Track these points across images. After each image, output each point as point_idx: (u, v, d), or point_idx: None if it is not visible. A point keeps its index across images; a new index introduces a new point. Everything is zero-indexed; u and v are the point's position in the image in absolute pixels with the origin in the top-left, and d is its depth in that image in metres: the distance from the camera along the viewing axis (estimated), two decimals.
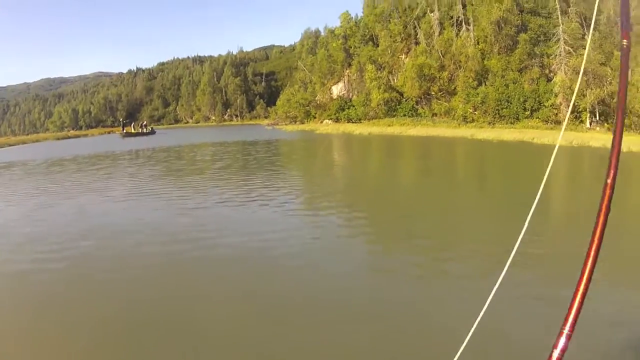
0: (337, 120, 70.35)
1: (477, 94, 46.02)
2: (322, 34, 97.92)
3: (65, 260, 11.90)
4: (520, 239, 2.34)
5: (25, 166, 39.36)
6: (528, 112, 40.72)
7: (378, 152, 37.82)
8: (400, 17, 69.06)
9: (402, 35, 67.35)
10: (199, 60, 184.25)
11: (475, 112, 45.59)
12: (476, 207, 15.73)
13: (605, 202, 1.77)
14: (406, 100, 60.35)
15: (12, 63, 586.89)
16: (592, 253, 1.74)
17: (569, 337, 1.72)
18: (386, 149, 38.65)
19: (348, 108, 69.81)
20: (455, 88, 53.59)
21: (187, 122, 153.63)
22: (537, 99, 40.35)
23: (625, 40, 1.85)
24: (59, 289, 10.01)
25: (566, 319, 1.74)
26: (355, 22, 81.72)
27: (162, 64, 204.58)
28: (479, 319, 2.26)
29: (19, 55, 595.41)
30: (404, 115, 58.40)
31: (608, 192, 1.77)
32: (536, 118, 40.02)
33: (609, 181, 1.78)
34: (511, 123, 40.96)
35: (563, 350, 1.70)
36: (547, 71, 43.74)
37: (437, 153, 32.89)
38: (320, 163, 31.09)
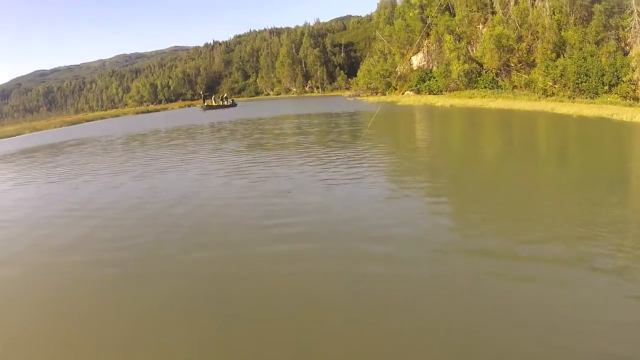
0: (418, 91, 71.80)
1: (556, 66, 46.15)
2: (399, 3, 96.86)
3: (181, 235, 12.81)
4: None
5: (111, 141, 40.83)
6: (606, 87, 40.51)
7: (462, 126, 38.61)
8: None
9: (478, 4, 67.46)
10: (276, 32, 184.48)
11: (555, 86, 45.92)
12: (563, 185, 15.71)
13: None
14: (486, 72, 61.17)
15: (86, 40, 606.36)
16: None
17: None
18: (469, 123, 39.54)
19: (429, 79, 70.99)
20: (534, 60, 53.92)
21: (268, 94, 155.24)
22: (614, 73, 40.06)
23: None
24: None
25: None
26: None
27: (239, 36, 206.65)
28: None
29: (93, 33, 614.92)
30: (485, 87, 59.21)
31: None
32: (615, 93, 39.72)
33: None
34: (591, 98, 40.96)
35: None
36: (623, 44, 43.51)
37: (520, 128, 33.56)
38: (407, 137, 32.49)
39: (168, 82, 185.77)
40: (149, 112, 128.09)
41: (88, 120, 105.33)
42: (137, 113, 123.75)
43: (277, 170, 20.68)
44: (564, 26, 50.68)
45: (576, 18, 49.43)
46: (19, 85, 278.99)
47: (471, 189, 15.78)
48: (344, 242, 11.31)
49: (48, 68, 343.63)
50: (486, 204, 13.81)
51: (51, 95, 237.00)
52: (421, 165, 20.40)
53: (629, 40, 43.06)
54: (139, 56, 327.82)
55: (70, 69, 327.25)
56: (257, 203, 15.45)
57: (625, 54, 42.08)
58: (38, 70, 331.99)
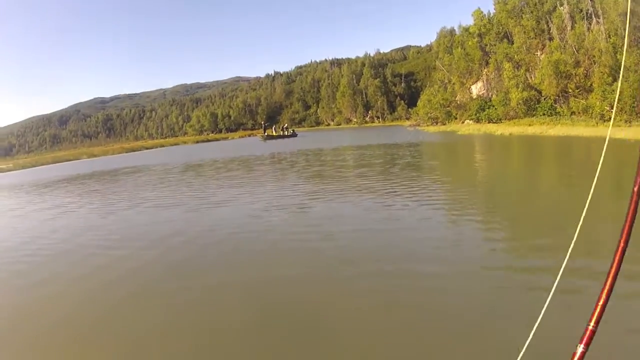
0: (477, 120, 72.33)
1: (613, 90, 46.33)
2: (457, 32, 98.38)
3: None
4: None
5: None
6: None
7: (521, 156, 38.52)
8: (532, 12, 69.98)
9: (536, 30, 68.35)
10: (337, 62, 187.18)
11: (612, 110, 45.60)
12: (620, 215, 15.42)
13: (632, 207, 1.84)
14: (545, 99, 61.57)
15: (148, 70, 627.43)
16: (619, 253, 1.86)
17: (593, 333, 1.86)
18: (528, 153, 39.16)
19: (488, 108, 71.37)
20: (591, 85, 54.19)
21: (329, 125, 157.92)
22: None
23: None
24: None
25: (592, 315, 1.88)
26: (489, 19, 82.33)
27: (300, 67, 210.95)
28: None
29: (154, 63, 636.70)
30: (543, 114, 59.39)
31: (635, 198, 1.84)
32: None
33: (635, 189, 1.85)
34: None
35: (587, 345, 1.85)
36: None
37: (578, 156, 33.58)
38: (465, 168, 32.06)
39: (229, 112, 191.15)
40: (208, 141, 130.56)
41: (147, 148, 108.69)
42: (197, 142, 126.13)
43: (338, 206, 19.59)
44: (620, 49, 51.00)
45: (631, 40, 49.49)
46: (77, 111, 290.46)
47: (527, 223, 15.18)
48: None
49: (107, 96, 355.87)
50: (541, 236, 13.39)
51: (110, 123, 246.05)
52: (481, 199, 20.09)
53: None
54: (200, 86, 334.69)
55: (130, 97, 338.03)
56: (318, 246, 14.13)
57: None
58: (97, 98, 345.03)
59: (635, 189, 1.86)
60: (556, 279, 2.47)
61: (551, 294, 2.44)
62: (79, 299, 11.02)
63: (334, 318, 8.81)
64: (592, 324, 1.91)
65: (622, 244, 1.91)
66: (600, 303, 1.92)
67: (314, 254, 12.74)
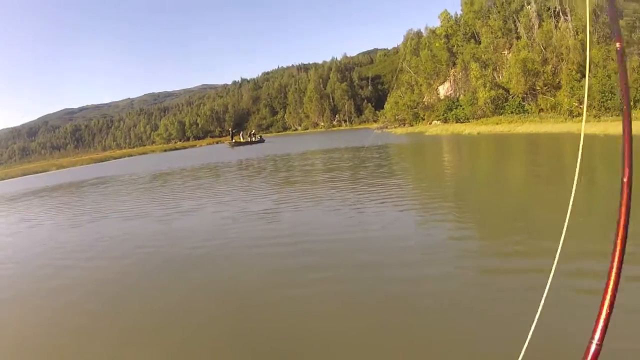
0: (445, 120, 71.80)
1: (581, 86, 45.96)
2: (424, 34, 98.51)
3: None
4: None
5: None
6: (632, 103, 39.81)
7: (488, 154, 38.05)
8: (499, 12, 69.81)
9: (503, 30, 68.18)
10: (304, 67, 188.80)
11: (581, 106, 45.56)
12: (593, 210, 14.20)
13: (625, 199, 1.78)
14: (512, 97, 61.06)
15: (116, 80, 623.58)
16: (616, 262, 1.67)
17: (598, 351, 1.59)
18: (495, 150, 38.88)
19: (456, 108, 70.96)
20: (559, 82, 53.75)
21: (296, 129, 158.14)
22: (639, 89, 39.84)
23: (618, 44, 2.02)
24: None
25: (594, 329, 1.61)
26: (455, 20, 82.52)
27: (267, 73, 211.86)
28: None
29: (121, 73, 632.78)
30: (512, 112, 58.95)
31: (625, 190, 1.80)
32: None
33: (624, 180, 1.82)
34: (616, 115, 40.07)
35: None
36: None
37: (547, 152, 32.92)
38: (432, 166, 32.04)
39: (196, 120, 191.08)
40: (176, 149, 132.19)
41: (115, 158, 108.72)
42: (165, 150, 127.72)
43: (307, 213, 18.86)
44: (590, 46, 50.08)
45: (599, 36, 49.21)
46: (46, 123, 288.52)
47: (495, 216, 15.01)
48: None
49: (76, 107, 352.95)
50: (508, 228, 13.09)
51: (78, 133, 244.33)
52: (449, 196, 19.51)
53: None
54: (168, 95, 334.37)
55: (98, 107, 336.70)
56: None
57: None
58: (66, 109, 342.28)
59: (625, 180, 1.84)
60: (549, 275, 2.39)
61: (545, 292, 2.28)
62: (33, 320, 10.42)
63: (301, 323, 8.63)
64: (595, 340, 1.64)
65: (619, 243, 1.72)
66: (604, 312, 1.66)
67: (283, 261, 12.25)
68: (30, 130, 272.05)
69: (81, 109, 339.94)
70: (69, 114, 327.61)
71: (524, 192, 19.10)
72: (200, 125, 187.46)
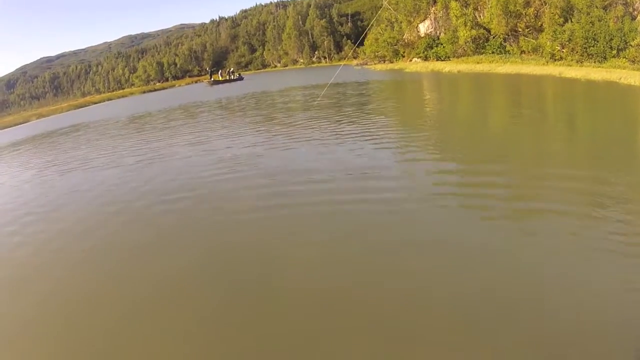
0: (425, 58, 71.36)
1: (564, 31, 45.64)
2: None
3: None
4: None
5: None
6: (615, 52, 39.91)
7: (468, 92, 38.40)
8: None
9: None
10: (282, 4, 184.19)
11: (563, 50, 45.41)
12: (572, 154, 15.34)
13: None
14: (494, 38, 60.52)
15: (91, 24, 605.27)
16: None
17: None
18: (476, 89, 39.29)
19: (436, 46, 70.48)
20: (541, 25, 53.29)
21: (275, 67, 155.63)
22: (622, 37, 39.46)
23: None
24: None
25: None
26: None
27: (245, 11, 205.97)
28: None
29: (98, 16, 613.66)
30: (493, 52, 58.64)
31: None
32: (623, 57, 39.08)
33: None
34: (599, 62, 40.46)
35: None
36: (631, 9, 42.98)
37: (528, 92, 33.26)
38: (415, 106, 31.74)
39: (175, 60, 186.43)
40: (155, 90, 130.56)
41: (95, 103, 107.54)
42: (144, 92, 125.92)
43: (290, 156, 18.77)
44: None
45: None
46: (24, 73, 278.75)
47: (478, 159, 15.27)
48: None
49: (53, 54, 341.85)
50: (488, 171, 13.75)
51: (57, 81, 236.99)
52: (428, 135, 19.75)
53: (637, 5, 42.68)
54: (145, 36, 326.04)
55: (75, 53, 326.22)
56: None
57: (633, 18, 41.65)
58: (44, 57, 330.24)
59: None
60: None
61: None
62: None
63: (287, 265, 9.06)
64: None
65: None
66: None
67: (271, 213, 12.42)
68: (9, 83, 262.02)
69: (58, 56, 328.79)
70: (47, 62, 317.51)
71: (503, 135, 19.06)
72: (178, 65, 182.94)
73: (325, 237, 10.01)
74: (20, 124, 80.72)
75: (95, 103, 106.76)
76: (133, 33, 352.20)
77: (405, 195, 12.05)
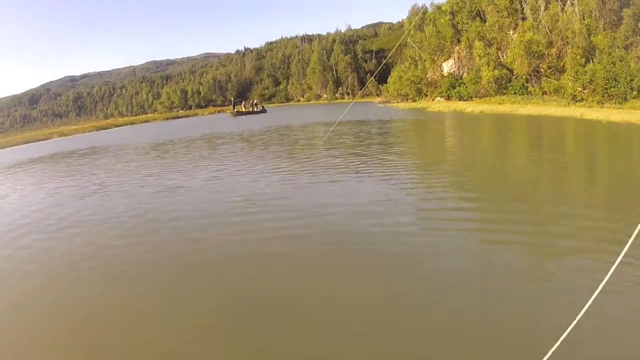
0: (448, 97, 71.99)
1: (586, 71, 45.91)
2: (430, 9, 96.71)
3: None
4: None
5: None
6: (635, 92, 39.96)
7: (491, 133, 38.56)
8: None
9: (509, 9, 67.56)
10: (308, 38, 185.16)
11: (585, 91, 45.61)
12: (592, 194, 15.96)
13: None
14: (516, 78, 61.05)
15: (117, 47, 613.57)
16: None
17: None
18: (498, 130, 39.41)
19: (459, 85, 71.06)
20: (563, 65, 53.82)
21: (299, 100, 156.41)
22: None
23: None
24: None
25: None
26: None
27: (270, 43, 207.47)
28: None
29: (123, 40, 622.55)
30: (515, 93, 59.04)
31: None
32: None
33: None
34: (619, 103, 40.57)
35: None
36: None
37: (550, 134, 33.41)
38: (436, 145, 32.14)
39: (199, 88, 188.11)
40: (178, 117, 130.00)
41: (117, 126, 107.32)
42: (167, 119, 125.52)
43: (314, 194, 18.54)
44: (594, 31, 50.74)
45: (605, 23, 49.50)
46: (48, 90, 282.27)
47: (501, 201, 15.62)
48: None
49: (78, 74, 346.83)
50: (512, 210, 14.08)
51: (80, 101, 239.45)
52: (449, 174, 20.16)
53: None
54: (170, 63, 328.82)
55: (100, 75, 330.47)
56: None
57: None
58: (68, 76, 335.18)
59: None
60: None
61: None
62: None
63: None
64: None
65: None
66: None
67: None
68: (32, 98, 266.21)
69: (83, 77, 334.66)
70: (71, 81, 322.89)
71: (524, 174, 19.40)
72: (202, 94, 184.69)
73: (360, 278, 10.22)
74: (42, 140, 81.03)
75: (118, 126, 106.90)
76: (158, 59, 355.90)
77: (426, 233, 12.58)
